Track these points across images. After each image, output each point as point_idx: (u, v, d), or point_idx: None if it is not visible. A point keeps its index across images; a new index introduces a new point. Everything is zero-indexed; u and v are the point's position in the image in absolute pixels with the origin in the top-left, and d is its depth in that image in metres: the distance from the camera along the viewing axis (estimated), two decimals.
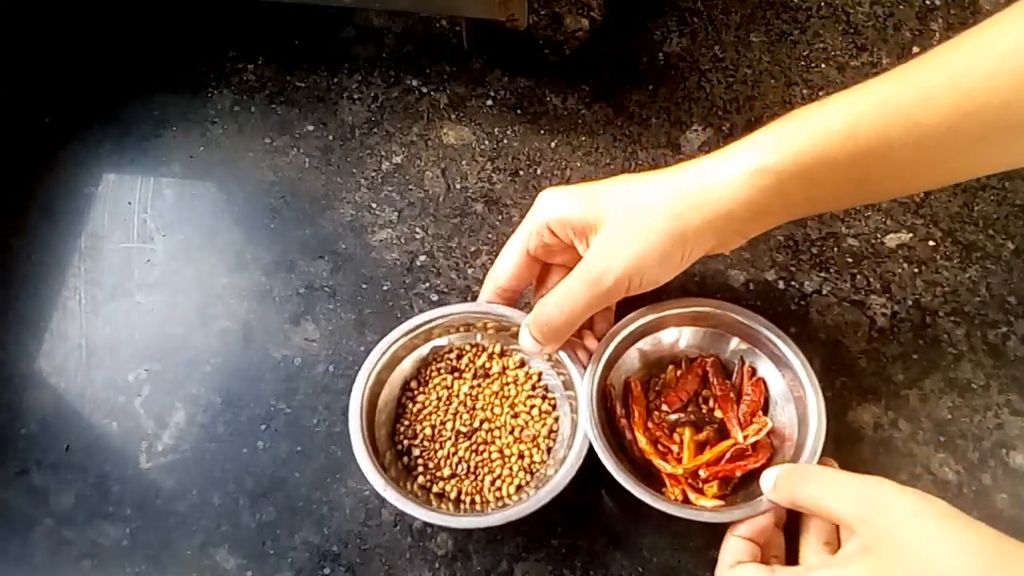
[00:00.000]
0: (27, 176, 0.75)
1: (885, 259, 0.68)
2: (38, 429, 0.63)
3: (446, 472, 0.55)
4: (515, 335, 0.55)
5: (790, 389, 0.57)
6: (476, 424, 0.56)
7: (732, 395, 0.59)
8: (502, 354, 0.59)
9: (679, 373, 0.60)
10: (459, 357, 0.59)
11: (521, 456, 0.56)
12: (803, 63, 0.79)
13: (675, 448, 0.56)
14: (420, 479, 0.55)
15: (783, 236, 0.69)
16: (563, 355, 0.55)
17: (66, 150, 0.76)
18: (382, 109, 0.78)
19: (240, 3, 0.83)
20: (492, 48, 0.81)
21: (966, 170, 0.47)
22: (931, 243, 0.69)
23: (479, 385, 0.58)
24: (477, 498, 0.55)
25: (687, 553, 0.57)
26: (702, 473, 0.55)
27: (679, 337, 0.61)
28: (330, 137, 0.77)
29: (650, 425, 0.58)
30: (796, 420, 0.56)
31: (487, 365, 0.59)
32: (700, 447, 0.57)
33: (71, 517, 0.60)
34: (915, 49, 0.80)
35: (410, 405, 0.58)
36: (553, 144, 0.75)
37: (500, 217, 0.71)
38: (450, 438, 0.56)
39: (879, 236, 0.69)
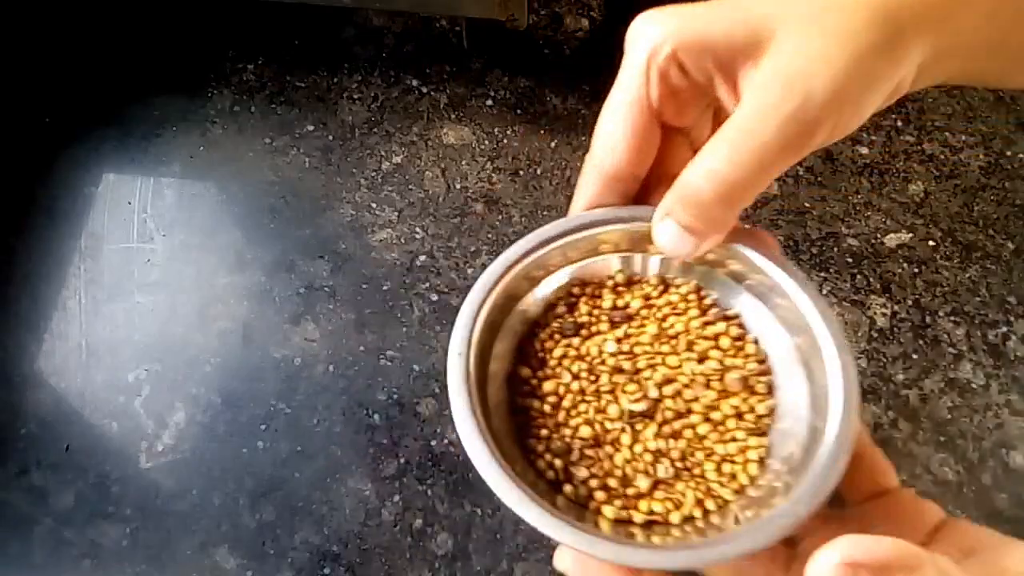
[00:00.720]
0: (27, 176, 0.75)
1: (885, 259, 0.68)
2: (38, 429, 0.63)
3: (642, 484, 0.33)
4: (642, 240, 0.35)
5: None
6: (654, 392, 0.35)
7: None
8: (629, 283, 0.38)
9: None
10: (571, 309, 0.37)
11: (739, 415, 0.34)
12: None
13: None
14: (608, 510, 0.33)
15: (783, 236, 0.69)
16: (741, 248, 0.34)
17: (66, 150, 0.76)
18: (382, 109, 0.78)
19: (240, 3, 0.83)
20: (492, 48, 0.81)
21: None
22: (931, 243, 0.69)
23: (626, 335, 0.37)
24: (711, 504, 0.33)
25: None
26: None
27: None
28: (330, 137, 0.77)
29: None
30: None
31: (620, 303, 0.37)
32: None
33: (71, 517, 0.60)
34: None
35: (536, 404, 0.36)
36: (553, 144, 0.75)
37: (500, 217, 0.71)
38: (623, 428, 0.35)
39: (879, 236, 0.69)
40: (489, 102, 0.78)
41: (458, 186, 0.73)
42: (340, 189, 0.74)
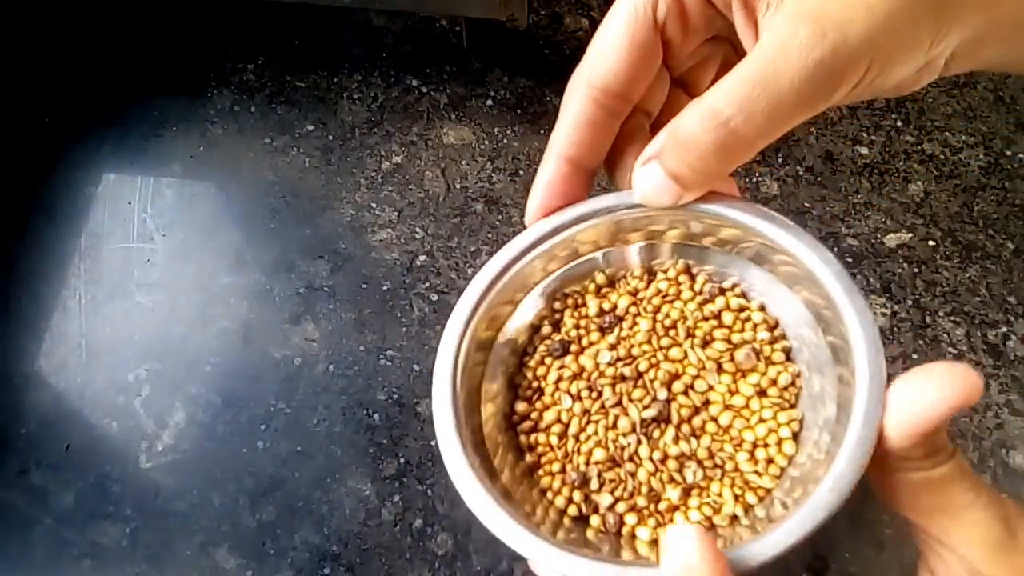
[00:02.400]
0: (27, 176, 0.75)
1: (885, 259, 0.68)
2: (38, 429, 0.63)
3: (673, 495, 0.30)
4: (624, 230, 0.32)
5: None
6: (663, 393, 0.31)
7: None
8: (612, 283, 0.34)
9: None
10: (557, 327, 0.34)
11: (761, 392, 0.31)
12: None
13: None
14: (643, 532, 0.30)
15: None
16: (724, 209, 0.29)
17: (66, 150, 0.76)
18: (382, 109, 0.78)
19: (240, 3, 0.83)
20: (492, 48, 0.81)
21: None
22: (931, 243, 0.69)
23: (620, 339, 0.32)
24: (751, 497, 0.30)
25: None
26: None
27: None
28: (330, 137, 0.77)
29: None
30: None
31: (606, 307, 0.33)
32: None
33: (71, 517, 0.60)
34: None
35: (542, 440, 0.32)
36: None
37: (500, 217, 0.71)
38: (639, 440, 0.31)
39: (879, 236, 0.69)
40: (489, 102, 0.78)
41: (458, 186, 0.73)
42: (340, 189, 0.74)
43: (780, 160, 0.72)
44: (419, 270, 0.69)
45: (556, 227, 0.31)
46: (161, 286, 0.69)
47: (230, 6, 0.83)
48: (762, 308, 0.32)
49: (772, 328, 0.32)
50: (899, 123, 0.74)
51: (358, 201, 0.73)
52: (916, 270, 0.68)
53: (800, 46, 0.23)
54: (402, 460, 0.62)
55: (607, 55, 0.27)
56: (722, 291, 0.32)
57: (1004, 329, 0.65)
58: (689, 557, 0.23)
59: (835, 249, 0.69)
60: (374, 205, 0.73)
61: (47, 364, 0.66)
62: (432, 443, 0.63)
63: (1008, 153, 0.73)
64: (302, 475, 0.61)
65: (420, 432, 0.63)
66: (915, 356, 0.64)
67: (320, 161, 0.75)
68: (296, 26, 0.83)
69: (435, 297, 0.67)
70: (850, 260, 0.68)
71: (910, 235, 0.69)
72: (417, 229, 0.71)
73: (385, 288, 0.68)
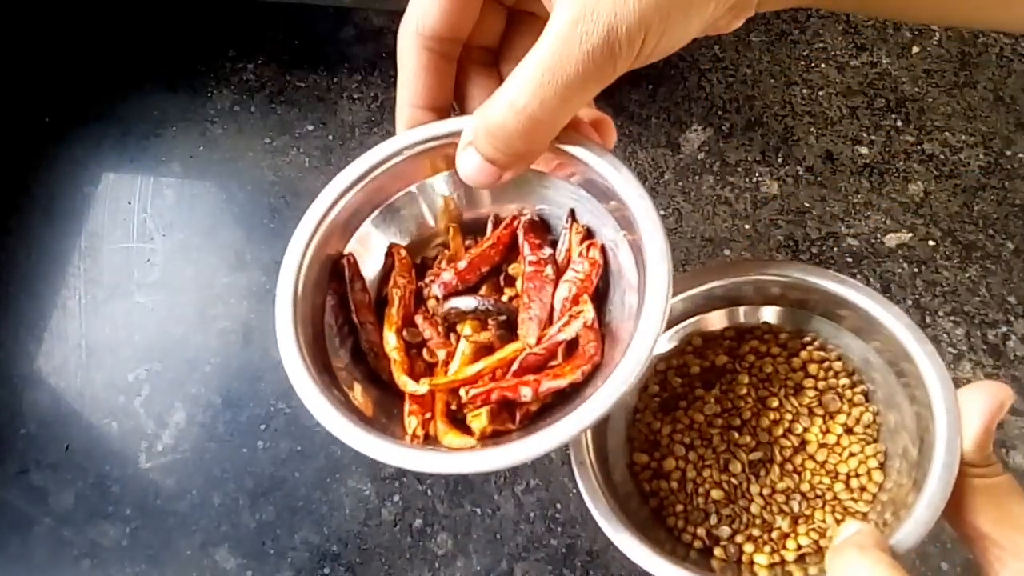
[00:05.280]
0: (26, 175, 0.75)
1: (885, 259, 0.68)
2: (38, 429, 0.63)
3: (783, 524, 0.36)
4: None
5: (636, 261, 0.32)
6: (766, 437, 0.37)
7: (549, 270, 0.34)
8: (706, 343, 0.40)
9: (479, 238, 0.36)
10: (663, 386, 0.39)
11: (848, 430, 0.37)
12: (803, 63, 0.79)
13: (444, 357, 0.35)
14: (760, 558, 0.35)
15: (783, 236, 0.69)
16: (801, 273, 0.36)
17: (65, 149, 0.76)
18: (382, 109, 0.78)
19: (240, 3, 0.83)
20: None
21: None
22: (931, 243, 0.69)
23: (723, 392, 0.38)
24: (851, 520, 0.34)
25: None
26: (463, 394, 0.31)
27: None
28: (330, 137, 0.77)
29: (419, 321, 0.35)
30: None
31: (705, 365, 0.40)
32: (484, 353, 0.33)
33: (71, 517, 0.60)
34: (915, 49, 0.80)
35: (664, 485, 0.38)
36: None
37: None
38: (749, 479, 0.37)
39: (879, 236, 0.69)
40: None
41: None
42: None
43: (780, 160, 0.72)
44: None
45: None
46: (161, 286, 0.69)
47: (230, 6, 0.83)
48: (839, 358, 0.38)
49: (851, 374, 0.38)
50: (899, 123, 0.74)
51: None
52: (916, 270, 0.68)
53: (578, 33, 0.26)
54: None
55: (429, 4, 0.30)
56: (804, 345, 0.38)
57: (1004, 329, 0.65)
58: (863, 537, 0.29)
59: (835, 249, 0.69)
60: None
61: (47, 364, 0.66)
62: None
63: (1008, 153, 0.73)
64: (302, 475, 0.61)
65: None
66: None
67: (320, 161, 0.75)
68: (296, 26, 0.83)
69: None
70: (850, 260, 0.68)
71: (910, 235, 0.69)
72: None
73: None
